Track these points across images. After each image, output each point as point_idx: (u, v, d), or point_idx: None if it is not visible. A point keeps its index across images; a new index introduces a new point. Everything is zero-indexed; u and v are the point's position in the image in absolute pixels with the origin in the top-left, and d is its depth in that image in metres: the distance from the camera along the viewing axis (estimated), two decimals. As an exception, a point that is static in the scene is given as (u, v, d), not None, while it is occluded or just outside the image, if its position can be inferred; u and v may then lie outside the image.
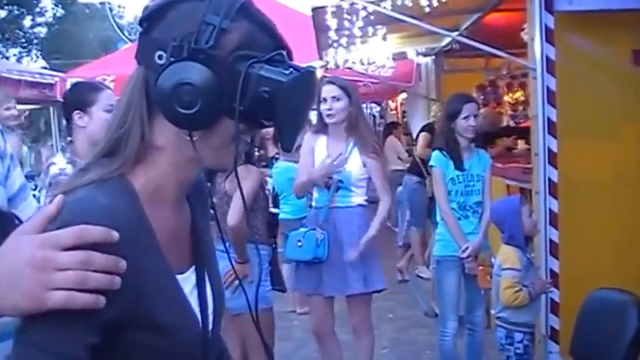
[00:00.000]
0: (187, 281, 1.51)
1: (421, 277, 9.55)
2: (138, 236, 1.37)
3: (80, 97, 3.94)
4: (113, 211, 1.33)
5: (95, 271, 1.23)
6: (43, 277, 1.21)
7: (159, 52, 1.38)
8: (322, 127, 5.37)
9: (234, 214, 4.60)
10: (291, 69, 1.38)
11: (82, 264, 1.22)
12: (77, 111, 3.91)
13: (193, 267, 1.55)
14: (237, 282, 4.42)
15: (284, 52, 1.42)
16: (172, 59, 1.36)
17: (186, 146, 1.40)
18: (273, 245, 5.32)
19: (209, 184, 4.34)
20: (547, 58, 5.48)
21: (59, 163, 3.86)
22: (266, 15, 1.44)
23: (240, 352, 5.00)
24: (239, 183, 1.53)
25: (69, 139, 3.98)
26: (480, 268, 5.39)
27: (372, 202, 5.41)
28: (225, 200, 4.74)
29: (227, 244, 4.75)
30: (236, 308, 4.27)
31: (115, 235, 1.26)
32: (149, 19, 1.42)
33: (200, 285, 1.55)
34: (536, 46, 5.50)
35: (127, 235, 1.30)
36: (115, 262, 1.25)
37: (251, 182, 4.71)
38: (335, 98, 5.17)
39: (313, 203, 5.49)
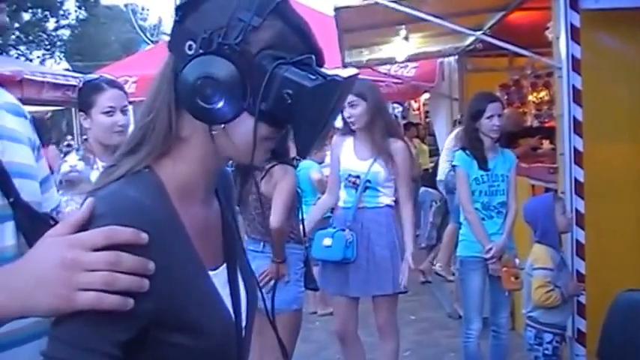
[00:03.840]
0: (219, 277, 1.50)
1: (438, 275, 9.48)
2: (168, 231, 1.37)
3: (82, 99, 3.86)
4: (143, 206, 1.34)
5: (124, 272, 1.24)
6: (72, 277, 1.22)
7: (189, 43, 1.37)
8: (349, 130, 5.37)
9: (277, 215, 4.55)
10: (317, 75, 1.35)
11: (111, 265, 1.23)
12: (81, 113, 3.87)
13: (225, 263, 1.55)
14: (272, 282, 4.44)
15: (313, 57, 1.39)
16: (201, 51, 1.35)
17: (210, 139, 1.41)
18: (307, 245, 5.27)
19: (246, 184, 4.32)
20: (572, 56, 5.42)
21: (70, 161, 3.81)
22: (301, 16, 1.43)
23: (258, 351, 4.94)
24: (256, 184, 1.52)
25: (84, 137, 3.93)
26: (505, 269, 5.34)
27: (395, 201, 5.38)
28: (261, 201, 4.70)
29: (263, 244, 4.74)
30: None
31: (145, 236, 1.27)
32: (185, 8, 1.41)
33: (232, 281, 1.55)
34: (562, 45, 5.44)
35: (157, 230, 1.31)
36: (145, 264, 1.27)
37: (289, 183, 4.65)
38: (351, 104, 5.17)
39: (341, 204, 5.47)
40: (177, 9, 1.42)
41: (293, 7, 1.42)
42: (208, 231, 1.52)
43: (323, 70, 1.39)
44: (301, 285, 4.88)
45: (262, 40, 1.36)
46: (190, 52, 1.36)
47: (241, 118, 1.37)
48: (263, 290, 1.70)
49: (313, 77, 1.34)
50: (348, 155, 5.35)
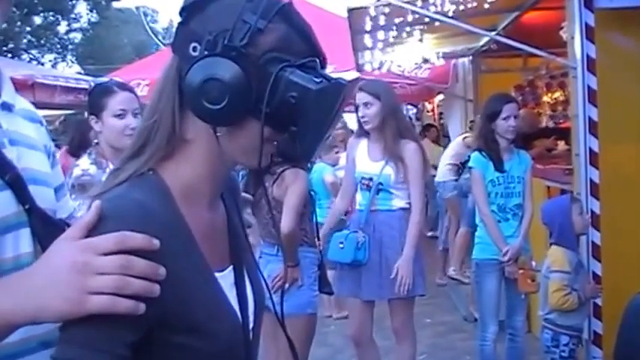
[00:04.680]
0: (226, 280, 1.50)
1: (452, 279, 9.45)
2: (174, 234, 1.37)
3: (93, 102, 3.83)
4: (148, 208, 1.34)
5: (135, 276, 1.24)
6: (83, 281, 1.22)
7: (194, 44, 1.38)
8: (363, 132, 5.37)
9: (288, 220, 4.52)
10: (322, 78, 1.36)
11: (123, 268, 1.23)
12: (92, 116, 3.84)
13: (231, 265, 1.55)
14: (286, 286, 4.42)
15: (317, 60, 1.41)
16: (205, 53, 1.35)
17: (215, 142, 1.41)
18: (321, 248, 5.24)
19: (259, 187, 4.31)
20: (587, 56, 5.38)
21: (82, 165, 3.79)
22: (305, 20, 1.43)
23: (276, 355, 4.92)
24: (265, 188, 1.52)
25: (95, 141, 3.93)
26: (521, 271, 5.31)
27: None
28: (273, 205, 4.68)
29: (277, 248, 4.73)
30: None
31: (156, 242, 1.27)
32: (189, 10, 1.41)
33: (239, 283, 1.55)
34: (577, 45, 5.41)
35: (162, 232, 1.30)
36: (155, 269, 1.26)
37: (300, 186, 4.63)
38: (366, 105, 5.18)
39: (357, 206, 5.46)
40: (182, 10, 1.43)
41: (297, 9, 1.43)
42: (214, 233, 1.52)
43: (326, 73, 1.41)
44: (315, 289, 4.84)
45: (267, 43, 1.36)
46: (195, 54, 1.37)
47: (245, 120, 1.38)
48: (275, 294, 1.69)
49: (318, 80, 1.35)
50: (362, 157, 5.35)
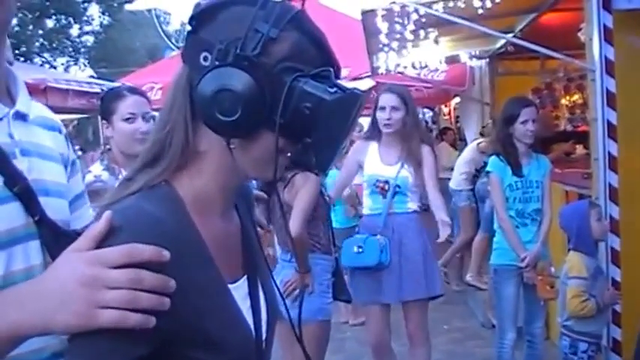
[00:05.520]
0: (239, 291, 1.49)
1: (470, 285, 9.38)
2: (187, 246, 1.35)
3: (104, 107, 3.84)
4: (160, 220, 1.32)
5: (145, 290, 1.23)
6: (92, 295, 1.21)
7: (204, 54, 1.36)
8: (375, 134, 5.35)
9: (296, 224, 4.47)
10: (336, 88, 1.35)
11: (133, 282, 1.22)
12: (103, 121, 3.85)
13: (245, 276, 1.54)
14: (297, 292, 4.41)
15: (332, 70, 1.39)
16: (217, 63, 1.34)
17: (228, 153, 1.39)
18: (336, 255, 5.19)
19: (270, 194, 4.28)
20: (606, 58, 5.34)
21: (95, 171, 3.78)
22: (319, 28, 1.41)
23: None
24: (279, 197, 1.47)
25: (107, 146, 3.92)
26: (540, 277, 5.27)
27: (426, 209, 5.33)
28: (285, 210, 4.64)
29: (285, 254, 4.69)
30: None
31: (166, 254, 1.24)
32: (199, 18, 1.39)
33: (253, 294, 1.54)
34: (595, 47, 5.36)
35: (174, 244, 1.29)
36: (166, 282, 1.25)
37: (309, 190, 4.58)
38: (394, 108, 5.18)
39: (367, 211, 5.44)
40: (191, 19, 1.40)
41: (309, 17, 1.41)
42: (228, 244, 1.51)
43: (340, 82, 1.38)
44: (328, 296, 4.79)
45: (280, 52, 1.34)
46: (206, 64, 1.35)
47: (258, 131, 1.36)
48: (287, 300, 1.65)
49: (332, 90, 1.33)
50: (374, 160, 5.32)
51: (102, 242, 1.25)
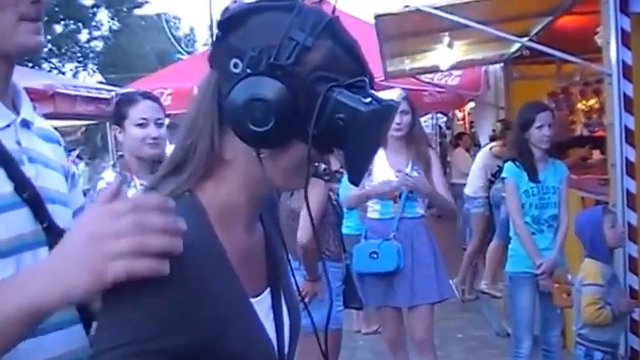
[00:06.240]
0: (263, 304, 1.47)
1: (484, 293, 9.29)
2: (209, 258, 1.32)
3: (116, 112, 3.85)
4: (184, 232, 1.25)
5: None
6: (100, 248, 1.19)
7: (235, 60, 1.32)
8: (385, 139, 5.23)
9: (304, 231, 4.46)
10: (371, 99, 1.31)
11: (138, 228, 1.18)
12: (115, 126, 3.86)
13: (268, 288, 1.51)
14: (307, 299, 4.38)
15: (366, 79, 1.35)
16: (249, 71, 1.30)
17: (255, 163, 1.36)
18: (347, 262, 5.14)
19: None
20: (623, 62, 5.30)
21: (107, 178, 3.78)
22: (352, 36, 1.38)
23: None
24: (307, 205, 1.42)
25: (119, 153, 3.91)
26: (556, 285, 5.21)
27: (438, 215, 5.30)
28: (292, 217, 4.58)
29: (294, 262, 4.63)
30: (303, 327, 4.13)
31: (171, 204, 1.22)
32: (228, 23, 1.35)
33: (276, 307, 1.52)
34: (612, 50, 5.32)
35: (197, 257, 1.27)
36: (174, 222, 1.21)
37: (317, 196, 4.56)
38: (403, 112, 5.17)
39: (376, 215, 5.39)
40: (220, 24, 1.36)
41: (342, 25, 1.37)
42: (251, 256, 1.48)
43: (375, 93, 1.35)
44: (338, 304, 4.78)
45: (314, 61, 1.31)
46: (236, 71, 1.31)
47: (290, 141, 1.34)
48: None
49: (367, 101, 1.29)
50: (383, 166, 5.27)
51: None
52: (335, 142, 1.33)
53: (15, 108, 1.62)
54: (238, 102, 1.29)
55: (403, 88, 5.99)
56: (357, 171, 1.39)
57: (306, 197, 1.39)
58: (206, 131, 1.38)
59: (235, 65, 1.31)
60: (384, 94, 1.37)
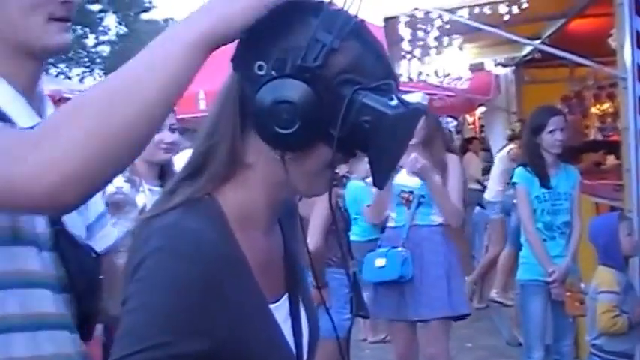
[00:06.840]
0: (281, 310, 1.47)
1: (495, 301, 9.20)
2: (228, 264, 1.32)
3: None
4: (203, 239, 1.29)
5: None
6: None
7: (259, 62, 1.31)
8: None
9: (314, 238, 4.43)
10: (397, 102, 1.29)
11: None
12: None
13: (287, 294, 1.51)
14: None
15: (392, 82, 1.34)
16: (274, 73, 1.29)
17: (277, 167, 1.34)
18: (354, 270, 5.10)
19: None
20: (638, 65, 5.21)
21: (116, 182, 3.71)
22: (377, 38, 1.38)
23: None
24: (332, 211, 1.37)
25: None
26: (568, 293, 5.18)
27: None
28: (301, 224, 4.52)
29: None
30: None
31: None
32: (252, 25, 1.30)
33: (294, 313, 1.51)
34: (626, 53, 5.23)
35: (218, 263, 1.28)
36: None
37: (326, 202, 4.47)
38: None
39: (391, 223, 5.35)
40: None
41: (367, 27, 1.36)
42: (270, 261, 1.47)
43: (401, 96, 1.33)
44: (345, 312, 4.75)
45: (340, 64, 1.30)
46: (261, 73, 1.30)
47: (314, 144, 1.32)
48: None
49: (393, 104, 1.27)
50: (400, 174, 5.18)
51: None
52: (360, 145, 1.32)
53: (39, 113, 1.65)
54: (264, 104, 1.27)
55: (411, 92, 5.89)
56: (382, 175, 1.37)
57: (330, 201, 1.42)
58: (227, 134, 1.37)
59: (260, 67, 1.30)
60: (409, 97, 1.34)
